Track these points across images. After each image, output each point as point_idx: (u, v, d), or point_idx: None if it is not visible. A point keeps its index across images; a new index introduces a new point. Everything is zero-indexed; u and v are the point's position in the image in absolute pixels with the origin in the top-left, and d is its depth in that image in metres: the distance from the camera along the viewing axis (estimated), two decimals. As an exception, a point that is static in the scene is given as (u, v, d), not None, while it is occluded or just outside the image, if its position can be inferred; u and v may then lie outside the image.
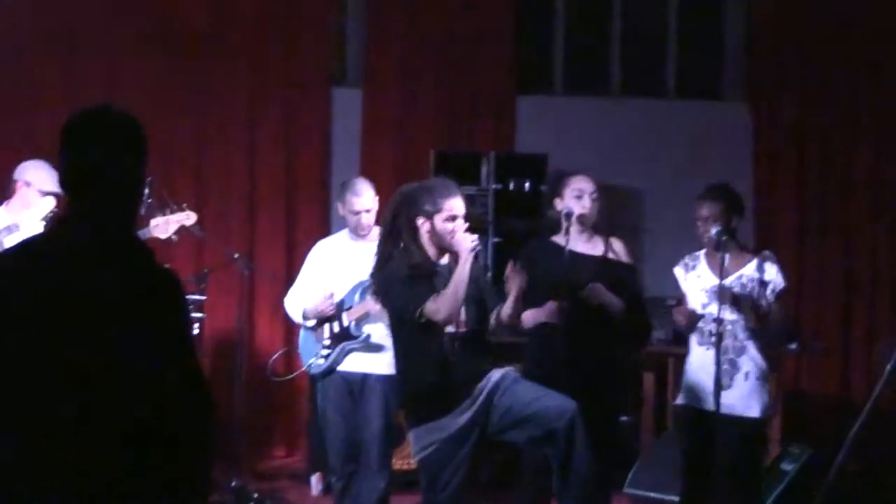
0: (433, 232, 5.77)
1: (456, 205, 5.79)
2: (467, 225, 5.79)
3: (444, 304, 5.59)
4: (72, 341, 2.99)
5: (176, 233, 6.88)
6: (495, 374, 5.77)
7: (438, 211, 5.76)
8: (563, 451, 5.66)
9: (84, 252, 3.08)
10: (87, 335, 3.00)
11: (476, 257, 5.80)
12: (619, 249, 6.51)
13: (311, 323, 6.97)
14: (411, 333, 5.72)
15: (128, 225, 3.22)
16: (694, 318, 6.40)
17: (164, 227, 6.83)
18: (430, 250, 5.80)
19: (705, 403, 6.31)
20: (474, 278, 5.83)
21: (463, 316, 5.78)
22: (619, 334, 6.41)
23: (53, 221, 3.14)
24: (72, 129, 3.20)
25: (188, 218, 6.94)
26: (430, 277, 5.72)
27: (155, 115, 9.45)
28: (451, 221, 5.77)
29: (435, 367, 5.68)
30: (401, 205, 5.82)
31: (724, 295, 6.22)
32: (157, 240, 6.79)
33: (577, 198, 6.38)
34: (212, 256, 9.07)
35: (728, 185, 6.56)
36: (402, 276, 5.69)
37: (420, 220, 5.76)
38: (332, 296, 6.92)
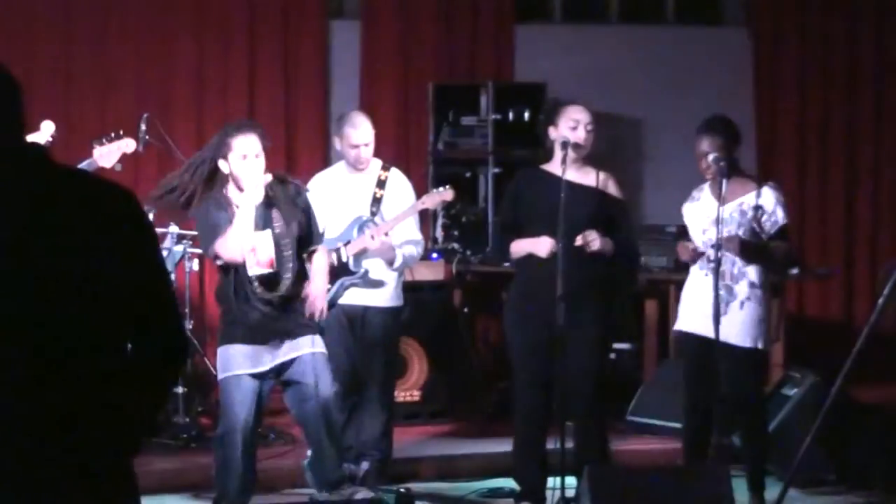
0: (231, 173, 5.85)
1: (244, 143, 5.83)
2: (261, 163, 5.85)
3: (225, 243, 5.75)
4: None
5: (119, 160, 6.85)
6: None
7: (230, 150, 5.82)
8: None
9: None
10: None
11: (295, 199, 5.97)
12: (609, 184, 6.47)
13: None
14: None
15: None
16: (696, 255, 6.39)
17: (107, 156, 6.80)
18: (235, 193, 5.87)
19: (701, 329, 6.32)
20: (287, 219, 5.95)
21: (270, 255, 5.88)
22: (608, 267, 6.40)
23: None
24: None
25: (128, 146, 6.90)
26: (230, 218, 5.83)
27: (152, 51, 9.43)
28: (242, 160, 5.82)
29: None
30: (210, 150, 5.94)
31: (729, 242, 6.22)
32: (105, 170, 6.76)
33: (572, 129, 6.33)
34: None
35: (725, 117, 6.53)
36: (208, 217, 5.84)
37: (220, 163, 5.85)
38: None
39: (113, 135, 6.90)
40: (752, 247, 6.32)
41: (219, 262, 5.97)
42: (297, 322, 6.05)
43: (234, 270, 5.91)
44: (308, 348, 6.04)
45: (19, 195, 2.87)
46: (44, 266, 2.83)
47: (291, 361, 6.02)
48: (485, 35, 10.02)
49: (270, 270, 5.94)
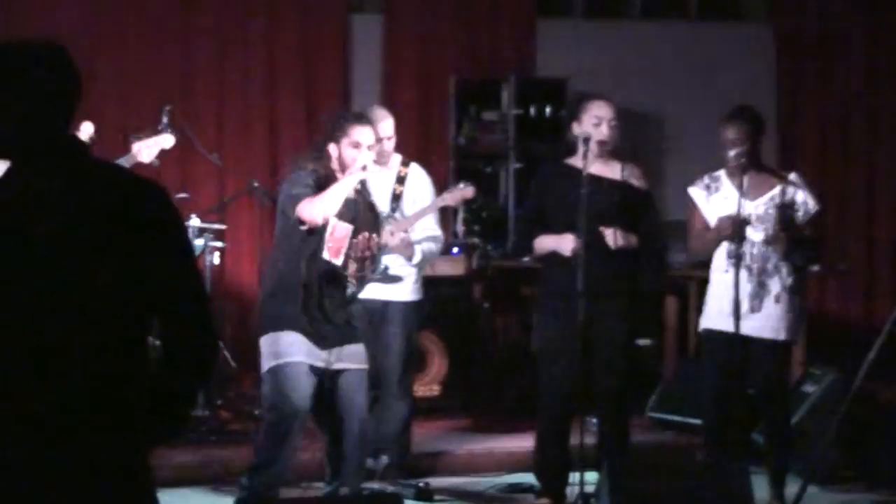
0: (339, 157, 5.90)
1: (361, 133, 5.90)
2: (370, 157, 5.91)
3: (314, 203, 5.74)
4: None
5: (157, 156, 6.88)
6: None
7: (345, 136, 5.88)
8: None
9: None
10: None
11: (362, 193, 6.03)
12: (634, 176, 6.47)
13: None
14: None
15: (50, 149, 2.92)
16: (738, 221, 6.27)
17: (146, 150, 6.82)
18: (339, 177, 5.91)
19: (728, 326, 6.29)
20: (364, 218, 6.03)
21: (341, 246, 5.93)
22: (634, 262, 6.40)
23: None
24: None
25: (166, 141, 6.93)
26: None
27: (173, 45, 9.44)
28: (354, 148, 5.88)
29: None
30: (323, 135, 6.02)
31: (779, 239, 6.22)
32: (143, 165, 6.80)
33: (595, 125, 6.32)
34: (232, 186, 9.06)
35: (751, 107, 6.52)
36: (301, 183, 5.84)
37: (330, 146, 5.91)
38: None
39: (151, 130, 6.92)
40: (795, 244, 6.32)
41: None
42: (350, 328, 6.10)
43: (308, 258, 5.89)
44: (360, 363, 6.08)
45: (56, 188, 2.87)
46: (73, 261, 2.84)
47: (342, 371, 6.01)
48: (506, 30, 10.03)
49: (336, 262, 5.95)
